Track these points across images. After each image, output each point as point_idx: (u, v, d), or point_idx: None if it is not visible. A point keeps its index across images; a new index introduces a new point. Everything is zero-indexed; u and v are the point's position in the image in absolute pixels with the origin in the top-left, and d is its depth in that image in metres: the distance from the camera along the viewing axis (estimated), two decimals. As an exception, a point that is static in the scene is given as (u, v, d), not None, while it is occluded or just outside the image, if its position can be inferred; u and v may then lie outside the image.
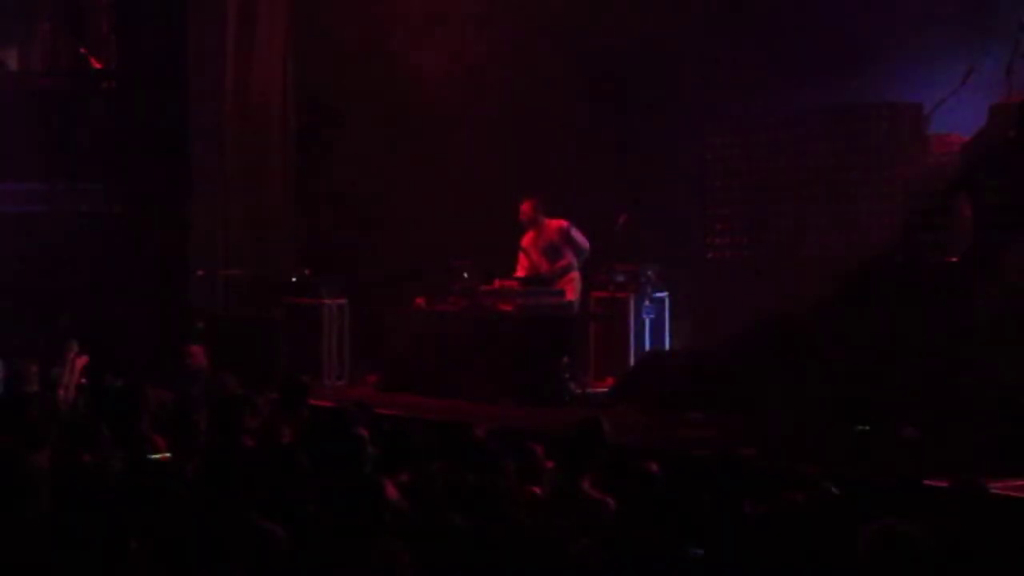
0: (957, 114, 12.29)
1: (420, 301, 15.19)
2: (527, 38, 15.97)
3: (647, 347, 15.05)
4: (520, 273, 15.00)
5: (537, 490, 8.23)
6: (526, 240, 15.07)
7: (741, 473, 7.90)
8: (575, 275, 15.03)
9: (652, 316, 15.20)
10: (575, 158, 15.53)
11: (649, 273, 15.22)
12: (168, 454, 8.95)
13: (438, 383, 14.26)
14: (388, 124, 16.70)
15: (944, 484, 7.94)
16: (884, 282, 12.13)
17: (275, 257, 17.21)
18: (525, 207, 14.95)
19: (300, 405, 11.12)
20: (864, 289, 12.19)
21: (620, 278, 15.18)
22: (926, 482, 8.94)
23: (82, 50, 17.30)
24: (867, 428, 11.50)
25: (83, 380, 13.31)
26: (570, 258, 14.99)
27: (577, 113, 16.04)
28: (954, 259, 11.76)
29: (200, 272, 16.83)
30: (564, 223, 15.01)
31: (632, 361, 14.83)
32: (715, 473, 7.95)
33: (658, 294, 15.28)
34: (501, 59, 15.73)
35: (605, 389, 14.39)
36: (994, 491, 7.77)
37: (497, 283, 14.68)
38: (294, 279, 16.41)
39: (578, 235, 14.99)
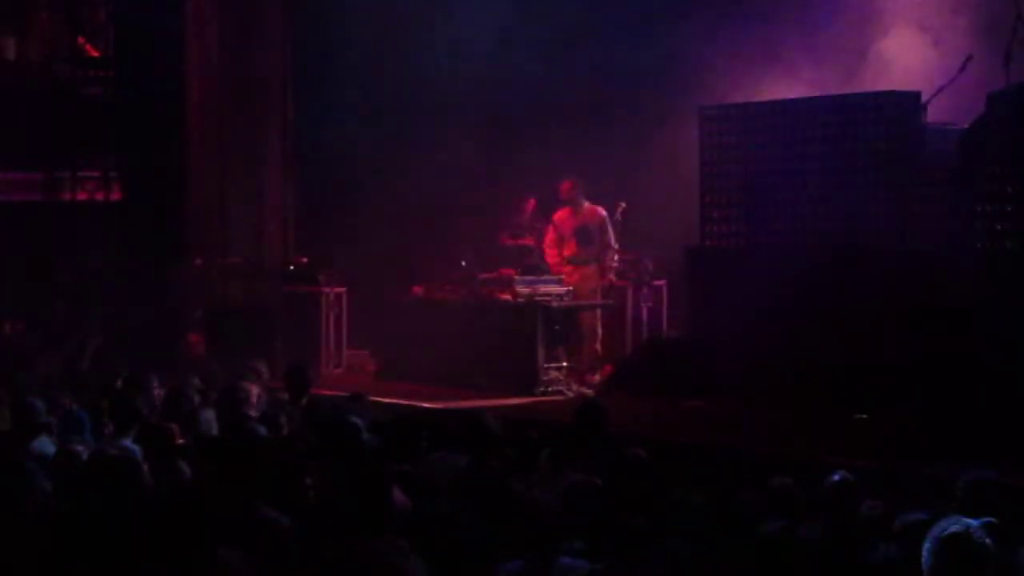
0: (955, 103, 12.29)
1: (418, 289, 15.22)
2: (529, 28, 16.00)
3: (645, 335, 15.07)
4: (549, 239, 14.95)
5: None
6: (559, 215, 15.01)
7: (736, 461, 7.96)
8: (594, 267, 14.99)
9: (650, 304, 15.23)
10: (574, 147, 15.54)
11: (647, 262, 15.25)
12: (182, 440, 8.97)
13: (436, 372, 14.28)
14: (388, 112, 16.71)
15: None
16: (881, 270, 12.15)
17: (273, 245, 17.22)
18: (566, 186, 14.91)
19: (302, 394, 11.16)
20: (861, 277, 12.21)
21: (618, 267, 15.20)
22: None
23: (80, 39, 17.32)
24: (865, 416, 11.55)
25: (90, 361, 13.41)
26: (595, 250, 14.94)
27: (575, 102, 16.06)
28: (952, 248, 11.78)
29: (198, 260, 16.83)
30: (604, 211, 14.98)
31: (630, 349, 14.86)
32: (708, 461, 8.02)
33: (656, 282, 15.31)
34: (501, 46, 15.73)
35: (603, 377, 14.42)
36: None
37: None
38: (292, 267, 16.42)
39: (612, 229, 14.93)
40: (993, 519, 6.11)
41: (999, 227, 11.43)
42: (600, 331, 14.84)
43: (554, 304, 14.27)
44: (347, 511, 7.08)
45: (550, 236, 15.03)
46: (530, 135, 15.77)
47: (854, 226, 12.57)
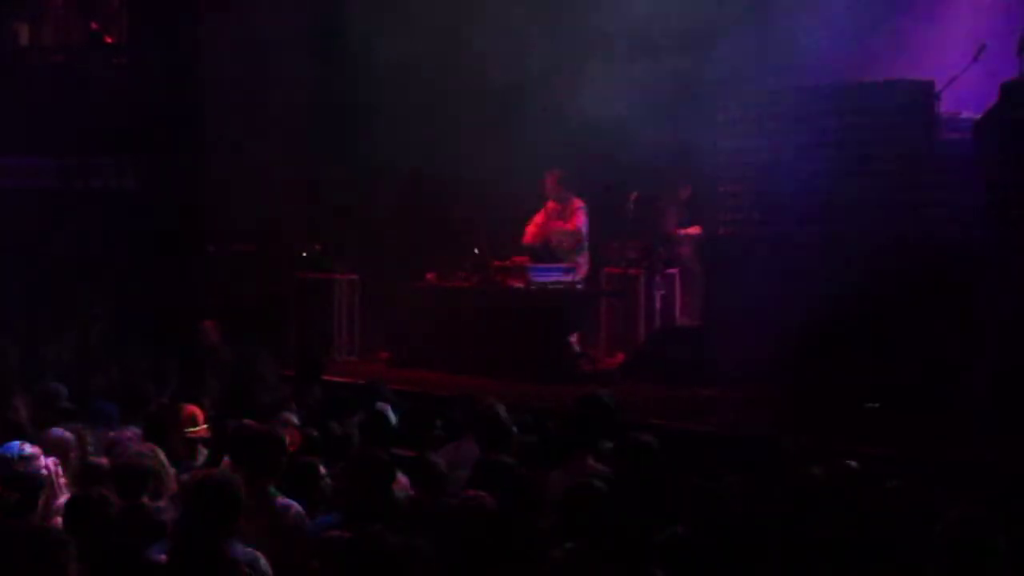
0: (969, 92, 12.27)
1: (431, 277, 15.24)
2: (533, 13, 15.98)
3: (657, 323, 15.08)
4: (532, 229, 15.03)
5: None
6: (550, 206, 15.12)
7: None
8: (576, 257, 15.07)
9: (663, 292, 15.24)
10: (585, 135, 15.53)
11: (660, 250, 15.26)
12: (204, 427, 9.00)
13: (449, 359, 14.30)
14: (401, 99, 16.70)
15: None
16: (894, 259, 12.14)
17: (287, 232, 17.23)
18: (551, 180, 14.99)
19: (314, 381, 11.17)
20: (873, 265, 12.19)
21: (631, 255, 15.23)
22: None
23: (93, 25, 17.31)
24: (877, 405, 11.55)
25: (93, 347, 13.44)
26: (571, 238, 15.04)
27: (587, 89, 16.04)
28: (965, 236, 11.76)
29: (211, 247, 16.85)
30: (581, 202, 15.07)
31: (642, 337, 14.87)
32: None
33: (669, 270, 15.31)
34: (511, 36, 15.70)
35: (616, 365, 14.43)
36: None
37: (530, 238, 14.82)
38: (305, 254, 16.44)
39: (584, 218, 15.05)
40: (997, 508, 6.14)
41: (1011, 215, 11.41)
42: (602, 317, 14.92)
43: (567, 292, 14.30)
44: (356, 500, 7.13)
45: (536, 220, 15.13)
46: (544, 122, 15.76)
47: (866, 214, 12.56)
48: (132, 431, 9.03)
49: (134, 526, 6.75)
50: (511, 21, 15.48)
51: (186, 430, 8.96)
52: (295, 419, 9.37)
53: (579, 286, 14.56)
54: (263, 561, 6.49)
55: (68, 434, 8.44)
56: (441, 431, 9.03)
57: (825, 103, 13.08)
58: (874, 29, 13.94)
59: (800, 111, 13.30)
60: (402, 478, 7.83)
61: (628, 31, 14.81)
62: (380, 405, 9.28)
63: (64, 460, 7.93)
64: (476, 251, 14.73)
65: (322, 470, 8.00)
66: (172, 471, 8.06)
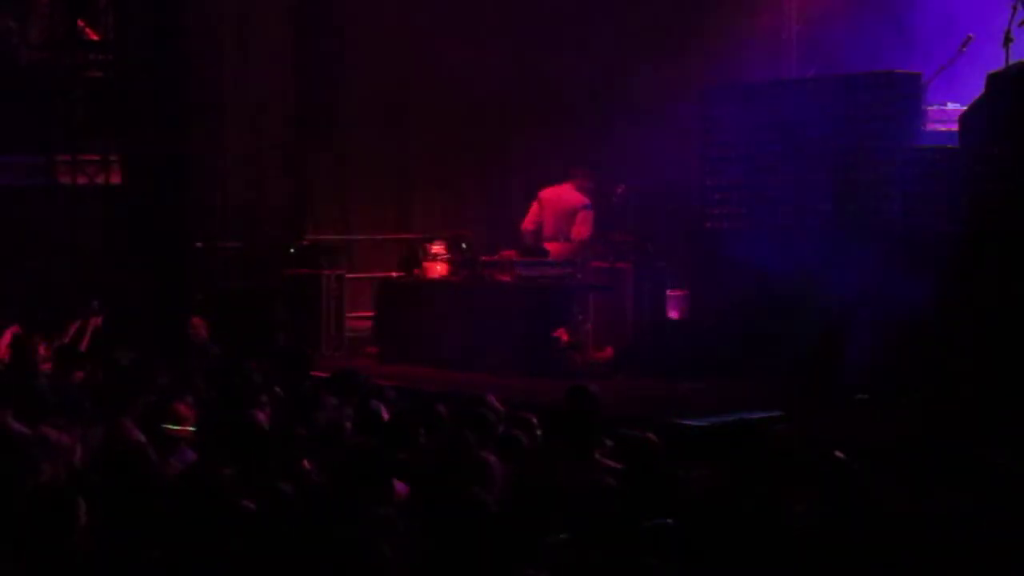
0: (955, 83, 12.30)
1: (419, 272, 15.23)
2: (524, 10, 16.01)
3: (646, 317, 15.07)
4: None
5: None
6: None
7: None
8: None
9: (651, 286, 15.22)
10: (574, 128, 15.56)
11: (647, 244, 15.25)
12: (191, 427, 8.97)
13: (438, 354, 14.30)
14: (390, 96, 16.72)
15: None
16: (882, 251, 12.16)
17: (274, 228, 17.22)
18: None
19: (301, 377, 11.15)
20: (859, 257, 12.21)
21: (619, 248, 15.22)
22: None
23: (79, 22, 17.29)
24: (865, 396, 11.57)
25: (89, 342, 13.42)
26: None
27: (575, 82, 16.06)
28: (952, 228, 11.78)
29: (199, 244, 16.84)
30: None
31: (631, 331, 14.87)
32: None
33: (657, 264, 15.31)
34: (499, 31, 15.74)
35: (604, 359, 14.43)
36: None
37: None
38: (293, 250, 16.43)
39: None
40: None
41: (997, 206, 11.43)
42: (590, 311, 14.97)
43: (554, 286, 14.31)
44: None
45: None
46: (531, 117, 15.79)
47: (853, 206, 12.57)
48: (125, 427, 9.01)
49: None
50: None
51: (169, 427, 8.93)
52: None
53: (566, 280, 14.57)
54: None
55: (61, 433, 8.43)
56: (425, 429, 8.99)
57: (812, 95, 13.10)
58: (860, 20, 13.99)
59: (787, 103, 13.30)
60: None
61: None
62: (373, 403, 9.25)
63: (57, 459, 7.91)
64: (463, 246, 14.74)
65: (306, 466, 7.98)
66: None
